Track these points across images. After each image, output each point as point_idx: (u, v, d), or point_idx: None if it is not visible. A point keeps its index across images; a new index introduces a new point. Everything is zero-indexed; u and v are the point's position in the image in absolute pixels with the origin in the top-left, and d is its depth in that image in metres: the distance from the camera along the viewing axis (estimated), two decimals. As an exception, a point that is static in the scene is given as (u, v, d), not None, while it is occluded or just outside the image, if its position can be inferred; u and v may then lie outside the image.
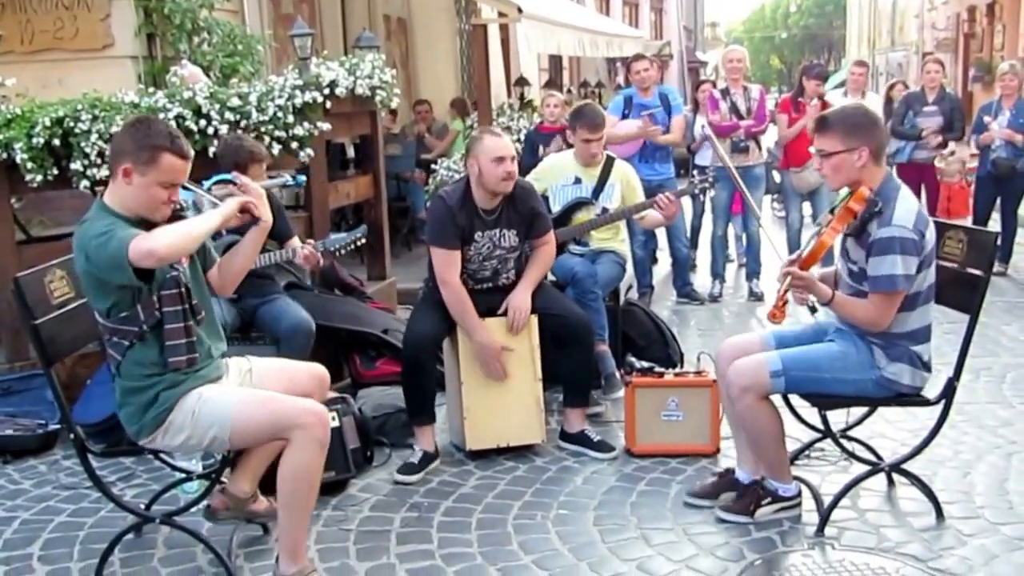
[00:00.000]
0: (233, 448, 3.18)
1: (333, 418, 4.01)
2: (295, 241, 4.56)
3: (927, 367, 3.45)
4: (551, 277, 5.01)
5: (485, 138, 4.21)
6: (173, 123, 4.69)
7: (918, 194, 8.30)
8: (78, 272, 3.07)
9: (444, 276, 4.22)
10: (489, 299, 4.29)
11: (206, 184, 3.87)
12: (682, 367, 5.06)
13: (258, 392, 3.21)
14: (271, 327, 4.58)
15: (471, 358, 4.28)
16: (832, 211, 3.43)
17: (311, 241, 4.50)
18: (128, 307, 3.02)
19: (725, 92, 7.49)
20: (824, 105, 7.43)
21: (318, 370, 3.49)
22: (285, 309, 4.58)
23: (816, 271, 3.47)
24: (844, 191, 3.46)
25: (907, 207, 3.30)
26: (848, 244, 3.44)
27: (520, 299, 4.31)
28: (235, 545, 3.49)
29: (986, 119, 8.05)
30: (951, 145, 8.33)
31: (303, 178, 5.18)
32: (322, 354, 4.84)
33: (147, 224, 3.03)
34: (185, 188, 3.22)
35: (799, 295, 3.40)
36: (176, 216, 3.17)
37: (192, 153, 3.11)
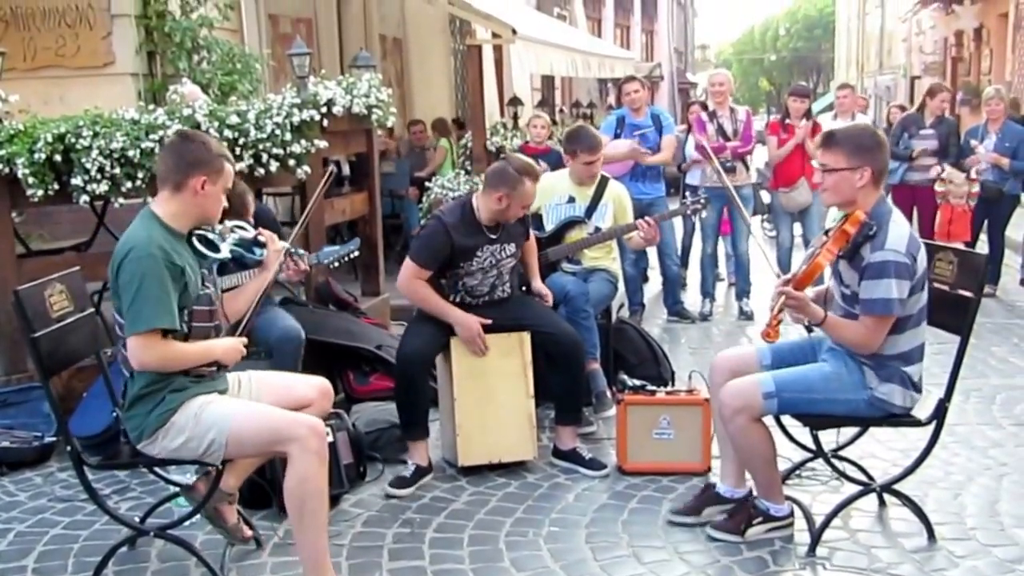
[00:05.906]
0: (228, 456, 3.19)
1: (327, 433, 4.04)
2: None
3: (917, 388, 3.48)
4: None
5: (527, 183, 4.20)
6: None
7: (910, 216, 8.36)
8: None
9: (405, 284, 4.31)
10: (485, 314, 4.32)
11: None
12: (673, 385, 5.08)
13: (261, 405, 3.26)
14: (262, 337, 4.59)
15: (465, 375, 4.31)
16: (827, 233, 3.46)
17: (304, 252, 4.50)
18: None
19: (712, 114, 7.54)
20: (815, 126, 7.51)
21: (319, 382, 3.52)
22: (274, 319, 4.58)
23: (809, 291, 3.50)
24: (840, 213, 3.50)
25: (899, 231, 3.34)
26: (841, 267, 3.46)
27: (539, 285, 4.75)
28: (228, 559, 3.49)
29: (973, 143, 8.13)
30: (968, 171, 8.24)
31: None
32: (316, 369, 4.86)
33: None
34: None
35: (793, 315, 3.43)
36: (201, 238, 3.23)
37: None
